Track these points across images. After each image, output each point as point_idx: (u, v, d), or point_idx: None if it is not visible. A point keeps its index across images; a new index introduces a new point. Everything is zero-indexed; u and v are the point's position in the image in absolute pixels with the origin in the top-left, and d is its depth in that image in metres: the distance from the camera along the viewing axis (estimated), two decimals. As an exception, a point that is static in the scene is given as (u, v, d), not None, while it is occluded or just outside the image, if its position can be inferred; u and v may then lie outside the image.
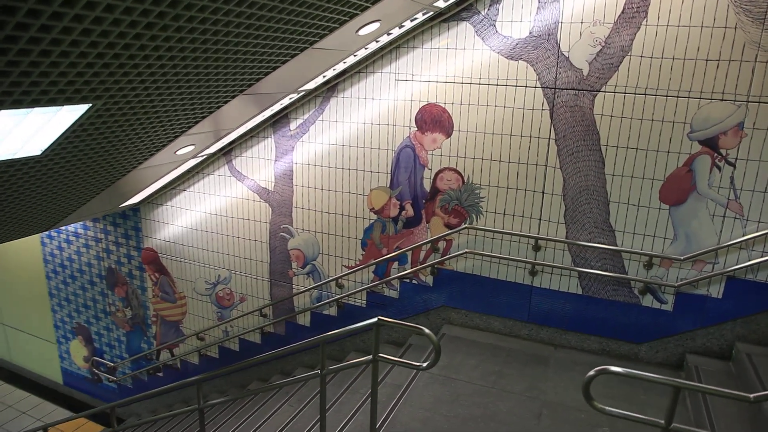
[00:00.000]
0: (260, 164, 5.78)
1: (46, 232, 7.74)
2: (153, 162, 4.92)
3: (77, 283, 7.73)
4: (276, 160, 5.68)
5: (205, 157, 5.91)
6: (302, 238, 5.77)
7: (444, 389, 4.25)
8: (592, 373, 2.70)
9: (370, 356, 3.19)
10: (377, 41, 4.53)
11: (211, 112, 4.18)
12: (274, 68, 3.75)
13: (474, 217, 4.96)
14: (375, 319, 3.13)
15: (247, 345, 6.51)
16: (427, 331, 2.98)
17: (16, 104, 2.52)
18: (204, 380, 6.10)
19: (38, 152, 3.32)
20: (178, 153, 5.02)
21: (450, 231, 5.01)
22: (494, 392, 4.22)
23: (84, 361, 8.10)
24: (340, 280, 5.66)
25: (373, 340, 3.15)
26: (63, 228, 7.55)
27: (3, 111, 2.54)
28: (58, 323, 8.21)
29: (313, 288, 5.83)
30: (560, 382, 4.36)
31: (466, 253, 4.99)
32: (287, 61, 3.71)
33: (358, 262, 5.55)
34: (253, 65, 3.45)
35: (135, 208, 6.77)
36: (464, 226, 4.95)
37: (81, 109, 2.96)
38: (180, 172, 6.11)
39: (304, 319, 6.04)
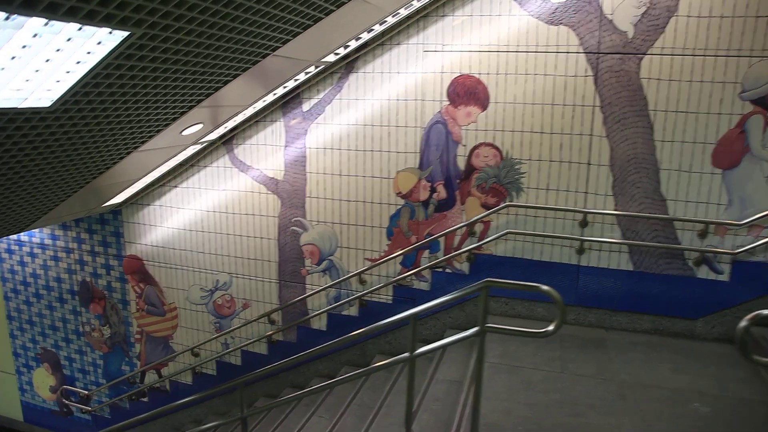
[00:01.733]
0: (267, 151, 5.23)
1: (5, 246, 6.77)
2: (155, 144, 4.29)
3: (43, 302, 6.77)
4: (286, 146, 5.15)
5: (203, 146, 5.30)
6: (317, 232, 5.23)
7: (513, 378, 3.82)
8: (744, 323, 2.37)
9: (476, 328, 2.72)
10: (405, 9, 4.17)
11: (236, 76, 3.65)
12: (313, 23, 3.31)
13: (514, 194, 4.62)
14: (483, 282, 2.69)
15: (252, 357, 5.82)
16: (545, 287, 2.59)
17: (49, 11, 1.95)
18: (201, 400, 5.42)
19: (48, 103, 2.69)
20: (184, 133, 4.41)
21: (489, 211, 4.64)
22: (566, 377, 3.84)
23: (51, 392, 7.08)
24: (362, 276, 5.15)
25: (481, 304, 2.70)
26: (26, 239, 6.62)
27: (32, 19, 1.96)
28: (18, 350, 7.15)
29: (330, 286, 5.28)
30: (628, 363, 4.06)
31: (507, 234, 4.63)
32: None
33: (383, 254, 5.06)
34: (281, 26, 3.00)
35: (116, 210, 6.00)
36: (505, 205, 4.59)
37: (113, 41, 2.39)
38: (171, 166, 5.45)
39: (320, 323, 5.46)
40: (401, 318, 2.95)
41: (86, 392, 6.75)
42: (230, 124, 5.03)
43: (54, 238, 6.43)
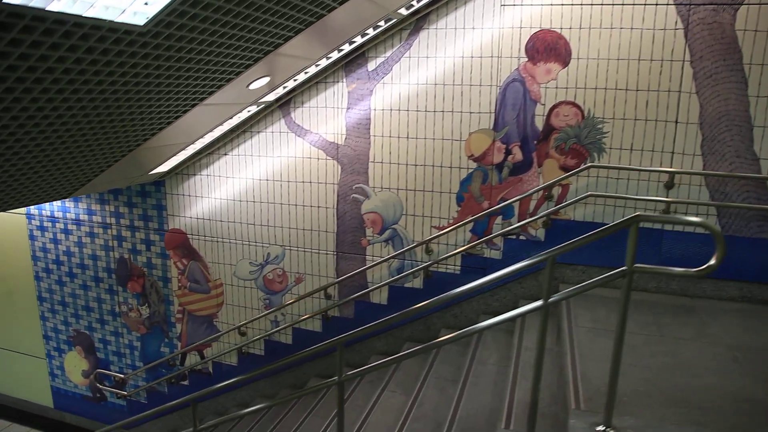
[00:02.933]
0: (327, 114, 4.98)
1: (37, 223, 6.46)
2: (221, 97, 4.04)
3: (77, 281, 6.46)
4: (348, 109, 4.90)
5: (259, 108, 5.04)
6: (380, 199, 4.98)
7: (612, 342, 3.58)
8: None
9: (622, 268, 2.48)
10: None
11: (309, 24, 3.42)
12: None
13: (595, 155, 4.40)
14: (632, 217, 2.45)
15: (304, 335, 5.55)
16: (696, 218, 2.38)
17: None
18: (245, 382, 5.14)
19: (142, 21, 2.43)
20: (251, 87, 4.15)
21: (570, 173, 4.41)
22: (668, 341, 3.62)
23: (83, 377, 6.76)
24: (428, 245, 4.90)
25: (630, 240, 2.46)
26: (60, 215, 6.31)
27: None
28: (49, 333, 6.83)
29: (393, 257, 5.03)
30: (728, 328, 3.84)
31: (588, 196, 4.40)
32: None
33: (452, 221, 4.83)
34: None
35: (158, 181, 5.72)
36: (588, 165, 4.37)
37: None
38: (222, 131, 5.18)
39: (380, 296, 5.20)
40: (499, 276, 2.68)
41: (121, 376, 6.44)
42: (290, 84, 4.78)
43: (90, 213, 6.13)
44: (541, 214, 4.57)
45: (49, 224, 6.40)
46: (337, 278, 5.26)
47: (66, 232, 6.34)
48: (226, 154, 5.40)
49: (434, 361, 4.53)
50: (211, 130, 4.91)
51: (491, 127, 4.58)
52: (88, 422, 6.86)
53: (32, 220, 6.49)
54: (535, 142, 4.50)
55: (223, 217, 5.57)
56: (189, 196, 5.66)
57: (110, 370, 6.56)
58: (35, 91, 2.64)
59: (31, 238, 6.55)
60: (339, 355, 3.10)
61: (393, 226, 4.99)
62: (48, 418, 7.07)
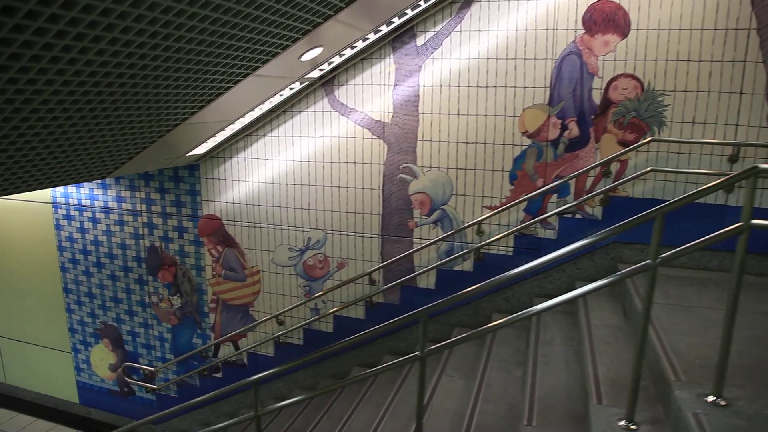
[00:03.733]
0: (374, 92, 4.83)
1: (63, 212, 6.27)
2: (271, 69, 3.89)
3: (104, 271, 6.27)
4: (396, 85, 4.76)
5: (302, 86, 4.89)
6: (429, 179, 4.83)
7: (691, 316, 3.45)
8: None
9: (738, 224, 2.34)
10: None
11: None
12: None
13: (656, 129, 4.27)
14: (750, 169, 2.31)
15: (345, 323, 5.39)
16: None
17: None
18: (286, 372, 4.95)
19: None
20: (303, 58, 4.01)
21: (629, 148, 4.28)
22: (748, 315, 3.47)
23: (110, 371, 6.56)
24: (480, 225, 4.75)
25: (746, 197, 2.33)
26: (87, 202, 6.13)
27: None
28: (75, 326, 6.63)
29: (441, 239, 4.88)
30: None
31: (649, 171, 4.27)
32: None
33: (504, 201, 4.68)
34: None
35: (192, 165, 5.55)
36: (649, 139, 4.24)
37: None
38: (262, 111, 5.03)
39: (428, 281, 5.05)
40: (561, 255, 2.55)
41: (151, 369, 6.25)
42: (335, 60, 4.64)
43: (120, 200, 5.96)
44: (599, 191, 4.43)
45: (76, 213, 6.22)
46: (382, 262, 5.10)
47: (94, 220, 6.16)
48: (265, 136, 5.24)
49: (492, 344, 4.37)
50: (252, 109, 4.76)
51: (546, 102, 4.44)
52: (114, 417, 6.66)
53: (58, 209, 6.31)
54: (593, 116, 4.37)
55: (261, 202, 5.41)
56: (225, 180, 5.50)
57: (139, 363, 6.37)
58: (79, 62, 2.48)
59: (57, 227, 6.37)
60: (422, 327, 2.94)
61: (442, 207, 4.84)
62: (73, 414, 6.87)
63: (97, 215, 6.13)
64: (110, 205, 6.04)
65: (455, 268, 4.92)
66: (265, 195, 5.38)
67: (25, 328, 6.94)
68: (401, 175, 4.89)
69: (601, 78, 4.30)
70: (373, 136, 4.91)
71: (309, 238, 5.32)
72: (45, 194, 6.29)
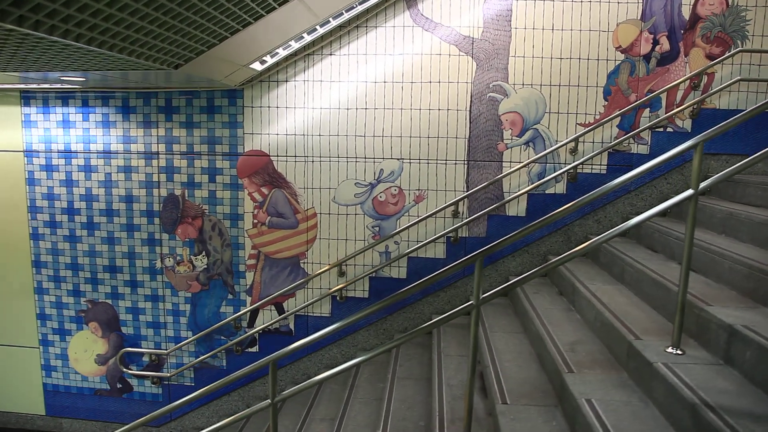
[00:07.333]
0: (462, 5, 4.55)
1: (42, 162, 4.95)
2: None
3: (99, 233, 5.00)
4: (486, -1, 4.54)
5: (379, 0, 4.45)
6: (521, 96, 4.60)
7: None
8: None
9: None
10: None
11: None
12: None
13: (739, 43, 4.52)
14: None
15: (422, 264, 4.82)
16: None
17: None
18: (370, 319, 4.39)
19: None
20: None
21: (720, 59, 4.46)
22: None
23: (98, 363, 5.14)
24: (576, 143, 4.60)
25: None
26: (79, 147, 4.91)
27: None
28: (48, 311, 5.13)
29: (534, 160, 4.63)
30: None
31: (738, 81, 4.48)
32: None
33: (598, 117, 4.60)
34: None
35: (233, 92, 4.74)
36: (737, 50, 4.45)
37: None
38: (330, 28, 4.48)
39: (517, 208, 4.73)
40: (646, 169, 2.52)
41: (161, 352, 5.03)
42: (429, -34, 4.30)
43: (128, 141, 4.87)
44: (689, 103, 4.53)
45: (61, 161, 4.96)
46: (467, 191, 4.69)
47: (87, 169, 4.95)
48: (331, 54, 4.66)
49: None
50: (326, 21, 4.18)
51: (639, 17, 4.50)
52: (99, 426, 5.20)
53: (34, 159, 4.99)
54: (682, 31, 4.51)
55: (322, 131, 4.75)
56: (277, 107, 4.75)
57: (142, 348, 5.10)
58: None
59: (30, 182, 5.01)
60: (477, 273, 2.54)
61: (534, 126, 4.62)
62: None
63: (93, 162, 4.94)
64: (113, 147, 4.90)
65: (548, 191, 4.68)
66: (327, 123, 4.73)
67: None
68: (491, 94, 4.61)
69: (690, -7, 4.48)
70: (461, 53, 4.59)
71: (381, 169, 4.75)
72: (15, 140, 4.95)
